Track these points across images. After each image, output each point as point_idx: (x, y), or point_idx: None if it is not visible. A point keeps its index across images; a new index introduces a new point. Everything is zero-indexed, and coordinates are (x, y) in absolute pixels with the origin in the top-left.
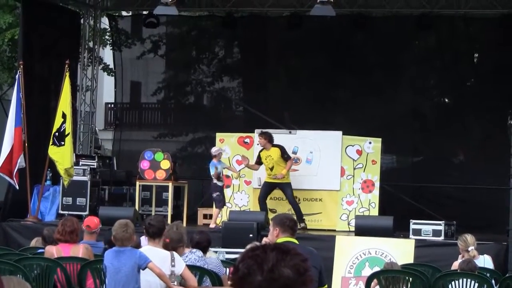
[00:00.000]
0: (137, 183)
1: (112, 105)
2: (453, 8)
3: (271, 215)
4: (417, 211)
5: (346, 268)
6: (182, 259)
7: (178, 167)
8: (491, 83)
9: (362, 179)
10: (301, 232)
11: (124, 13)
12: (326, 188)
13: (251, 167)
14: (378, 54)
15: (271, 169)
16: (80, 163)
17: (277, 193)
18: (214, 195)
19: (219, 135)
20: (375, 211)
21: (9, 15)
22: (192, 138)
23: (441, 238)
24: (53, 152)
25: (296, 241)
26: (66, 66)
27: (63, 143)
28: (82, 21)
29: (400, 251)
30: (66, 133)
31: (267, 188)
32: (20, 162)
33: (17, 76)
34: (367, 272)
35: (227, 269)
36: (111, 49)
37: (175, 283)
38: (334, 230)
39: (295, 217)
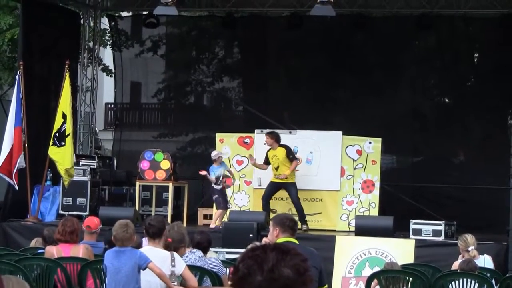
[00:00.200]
0: (137, 183)
1: (112, 105)
2: (453, 8)
3: (271, 215)
4: (417, 211)
5: (346, 268)
6: (182, 259)
7: (178, 167)
8: (491, 83)
9: (362, 179)
10: (301, 232)
11: (124, 13)
12: (326, 188)
13: (259, 166)
14: (378, 54)
15: (277, 168)
16: (80, 163)
17: (278, 193)
18: (213, 197)
19: (219, 135)
20: (375, 211)
21: (9, 16)
22: (192, 138)
23: (441, 238)
24: (54, 152)
25: (296, 241)
26: (66, 66)
27: (63, 143)
28: (82, 21)
29: (400, 251)
30: (67, 133)
31: (272, 188)
32: (20, 162)
33: (17, 76)
34: (367, 272)
35: (227, 269)
36: (111, 49)
37: (175, 283)
38: (334, 230)
39: (296, 217)
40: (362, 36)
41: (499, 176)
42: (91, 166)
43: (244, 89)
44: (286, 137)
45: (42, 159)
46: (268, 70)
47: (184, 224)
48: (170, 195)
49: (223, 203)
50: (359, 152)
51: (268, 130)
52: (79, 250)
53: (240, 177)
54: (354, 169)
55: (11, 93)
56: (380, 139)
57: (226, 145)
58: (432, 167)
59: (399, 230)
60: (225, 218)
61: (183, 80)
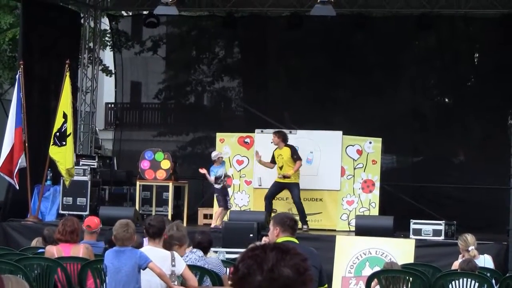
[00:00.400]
0: (138, 183)
1: (112, 105)
2: (453, 8)
3: (272, 215)
4: (417, 211)
5: (347, 268)
6: (182, 259)
7: (178, 167)
8: (491, 83)
9: (362, 179)
10: (301, 232)
11: (124, 13)
12: (327, 188)
13: (264, 164)
14: (378, 54)
15: (281, 168)
16: (81, 163)
17: (280, 193)
18: (215, 195)
19: (219, 135)
20: (375, 211)
21: (10, 16)
22: (192, 138)
23: (441, 238)
24: (54, 152)
25: (296, 240)
26: (67, 66)
27: (64, 143)
28: (82, 21)
29: (400, 251)
30: (68, 133)
31: (276, 188)
32: (21, 162)
33: (17, 76)
34: (367, 272)
35: (228, 269)
36: (111, 50)
37: (176, 283)
38: (335, 230)
39: (296, 217)
40: (362, 36)
41: (499, 176)
42: (91, 166)
43: (244, 89)
44: None
45: (42, 159)
46: (268, 70)
47: (185, 224)
48: (170, 194)
49: (223, 202)
50: (359, 152)
51: (274, 130)
52: (79, 250)
53: (240, 176)
54: (354, 169)
55: (11, 92)
56: (380, 139)
57: (226, 145)
58: (432, 167)
59: (399, 230)
60: (225, 218)
61: (183, 80)
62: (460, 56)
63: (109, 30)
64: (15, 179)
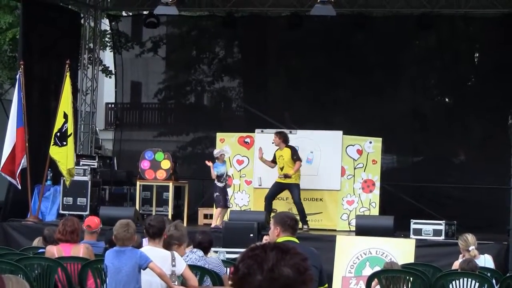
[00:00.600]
0: (138, 183)
1: (113, 105)
2: (454, 7)
3: (272, 215)
4: (418, 211)
5: (347, 268)
6: (183, 259)
7: (179, 167)
8: (491, 83)
9: (362, 178)
10: (301, 232)
11: (124, 13)
12: (327, 188)
13: (266, 162)
14: (379, 54)
15: (282, 169)
16: (81, 163)
17: (281, 194)
18: (214, 195)
19: (219, 135)
20: (375, 211)
21: (10, 15)
22: (192, 138)
23: (442, 237)
24: (55, 152)
25: (296, 240)
26: (67, 66)
27: (65, 143)
28: (82, 21)
29: (400, 250)
30: (69, 133)
31: (276, 189)
32: (23, 162)
33: (17, 76)
34: (367, 272)
35: (228, 269)
36: (111, 51)
37: (176, 283)
38: (335, 230)
39: (297, 217)
40: (363, 36)
41: (500, 176)
42: (92, 166)
43: (244, 89)
44: None
45: (43, 159)
46: (269, 69)
47: (185, 224)
48: (170, 194)
49: (223, 201)
50: (360, 152)
51: (275, 130)
52: (79, 250)
53: (240, 176)
54: (355, 168)
55: (11, 92)
56: (380, 139)
57: (227, 144)
58: (433, 167)
59: (400, 229)
60: (225, 218)
61: (184, 80)
62: (460, 56)
63: (109, 31)
64: (17, 179)
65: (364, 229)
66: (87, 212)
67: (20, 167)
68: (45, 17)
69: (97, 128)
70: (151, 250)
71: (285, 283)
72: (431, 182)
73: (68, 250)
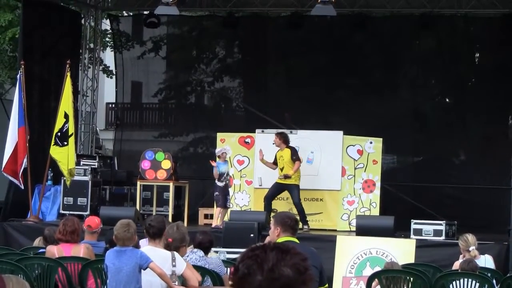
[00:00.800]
0: (138, 183)
1: (113, 105)
2: (454, 7)
3: (272, 215)
4: (418, 211)
5: (347, 268)
6: (183, 259)
7: (179, 167)
8: (491, 83)
9: (363, 179)
10: (302, 232)
11: (124, 13)
12: (327, 188)
13: (267, 163)
14: (379, 54)
15: (282, 169)
16: (81, 163)
17: (281, 194)
18: (214, 194)
19: (219, 135)
20: (376, 211)
21: (10, 14)
22: (193, 138)
23: (442, 238)
24: (56, 152)
25: (297, 240)
26: (67, 66)
27: (66, 143)
28: (82, 21)
29: (401, 251)
30: (70, 133)
31: (276, 189)
32: (25, 162)
33: (18, 76)
34: (368, 272)
35: (228, 269)
36: (111, 51)
37: (176, 283)
38: (335, 230)
39: (297, 217)
40: (363, 36)
41: (500, 176)
42: (92, 166)
43: (244, 89)
44: None
45: (43, 159)
46: (269, 69)
47: (185, 224)
48: (171, 194)
49: (222, 201)
50: (360, 152)
51: (275, 131)
52: (80, 250)
53: (241, 176)
54: (355, 169)
55: (11, 92)
56: (381, 139)
57: (227, 145)
58: (433, 167)
59: (400, 230)
60: (226, 218)
61: (184, 80)
62: (460, 56)
63: (110, 30)
64: (20, 179)
65: (364, 229)
66: (88, 212)
67: (22, 167)
68: (45, 17)
69: (97, 128)
70: (152, 250)
71: (285, 283)
72: (431, 182)
73: (68, 250)
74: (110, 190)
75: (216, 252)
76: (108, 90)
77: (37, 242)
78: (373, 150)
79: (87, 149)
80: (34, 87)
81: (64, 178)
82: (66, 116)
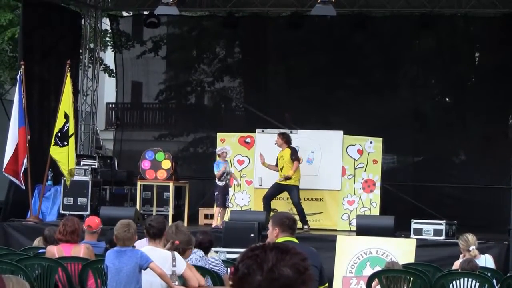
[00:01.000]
0: (138, 183)
1: (113, 105)
2: (454, 7)
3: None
4: (418, 211)
5: (347, 268)
6: (183, 259)
7: (179, 167)
8: (491, 83)
9: (363, 178)
10: (302, 232)
11: (125, 13)
12: (327, 188)
13: (269, 166)
14: (379, 53)
15: (281, 169)
16: (81, 163)
17: (281, 194)
18: (215, 194)
19: (220, 135)
20: (376, 211)
21: (10, 14)
22: (193, 138)
23: (442, 237)
24: (56, 152)
25: (296, 240)
26: (67, 66)
27: (66, 143)
28: (83, 21)
29: (401, 250)
30: (70, 133)
31: (275, 190)
32: (26, 162)
33: (18, 76)
34: (368, 271)
35: (228, 269)
36: (112, 51)
37: (176, 283)
38: (335, 230)
39: (296, 217)
40: (363, 35)
41: (500, 176)
42: (92, 166)
43: (244, 89)
44: None
45: (43, 159)
46: (269, 69)
47: (185, 224)
48: (171, 194)
49: (221, 200)
50: (360, 152)
51: (277, 131)
52: (80, 250)
53: (241, 176)
54: (355, 168)
55: (11, 92)
56: (381, 138)
57: (227, 144)
58: (433, 167)
59: (400, 229)
60: (226, 218)
61: (184, 80)
62: (460, 56)
63: (110, 30)
64: (21, 179)
65: (364, 229)
66: (88, 212)
67: (23, 167)
68: (45, 17)
69: (97, 128)
70: (152, 250)
71: (285, 283)
72: (431, 182)
73: (68, 250)
74: (110, 190)
75: (216, 252)
76: (108, 90)
77: (37, 242)
78: (373, 150)
79: (87, 149)
80: (34, 87)
81: (64, 178)
82: (66, 116)
